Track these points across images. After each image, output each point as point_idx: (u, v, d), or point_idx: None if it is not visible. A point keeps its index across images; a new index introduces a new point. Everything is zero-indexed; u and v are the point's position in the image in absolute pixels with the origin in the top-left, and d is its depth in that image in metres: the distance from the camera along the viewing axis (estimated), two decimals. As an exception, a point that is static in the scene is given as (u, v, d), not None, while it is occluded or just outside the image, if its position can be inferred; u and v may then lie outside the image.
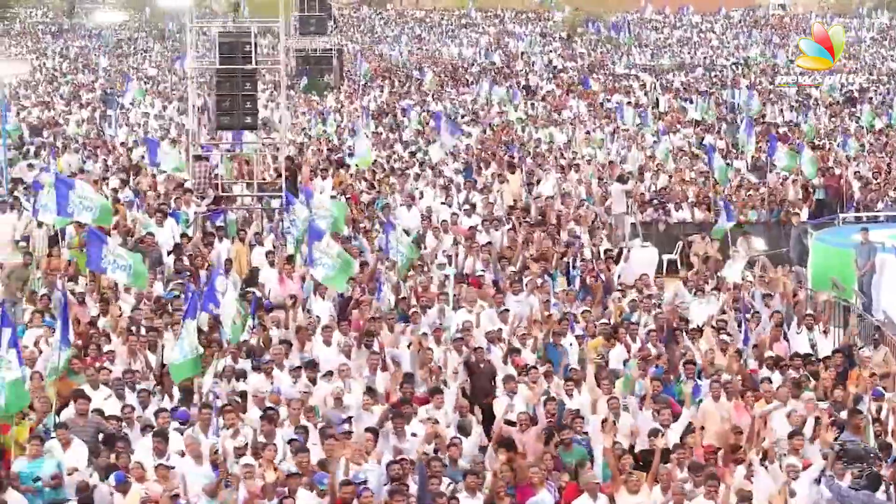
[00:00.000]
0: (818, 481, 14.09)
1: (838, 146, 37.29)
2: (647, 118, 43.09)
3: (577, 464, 14.59)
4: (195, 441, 14.47)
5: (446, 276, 21.29)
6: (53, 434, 14.89)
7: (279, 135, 31.20)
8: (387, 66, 68.08)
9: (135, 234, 23.75)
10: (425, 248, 23.79)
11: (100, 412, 15.66)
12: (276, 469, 14.25)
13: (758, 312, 19.73)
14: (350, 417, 15.65)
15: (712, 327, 19.01)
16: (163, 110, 48.34)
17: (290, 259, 21.85)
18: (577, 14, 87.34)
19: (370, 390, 16.31)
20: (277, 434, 15.01)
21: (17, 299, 20.63)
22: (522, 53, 72.92)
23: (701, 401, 16.49)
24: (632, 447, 15.33)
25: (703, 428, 15.51)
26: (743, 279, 22.08)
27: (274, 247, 23.15)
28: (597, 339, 18.79)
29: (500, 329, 18.96)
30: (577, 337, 18.79)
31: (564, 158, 34.77)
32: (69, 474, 14.14)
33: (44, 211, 22.92)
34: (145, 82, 58.85)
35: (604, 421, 15.38)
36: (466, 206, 27.15)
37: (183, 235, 23.88)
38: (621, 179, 29.55)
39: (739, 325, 19.32)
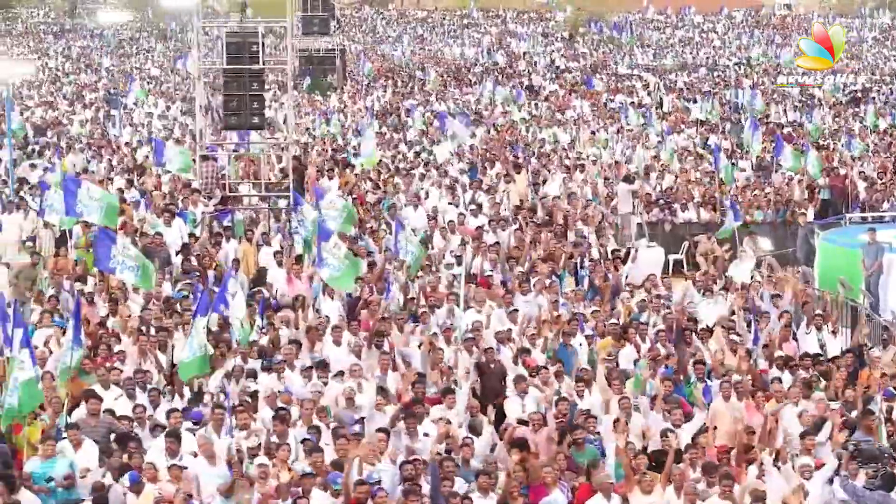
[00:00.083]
0: (830, 481, 14.11)
1: (842, 146, 37.29)
2: (651, 118, 43.10)
3: (590, 464, 14.58)
4: (208, 441, 14.46)
5: (455, 277, 21.29)
6: (65, 434, 14.89)
7: (282, 134, 31.20)
8: (389, 67, 68.10)
9: (141, 234, 23.73)
10: (432, 248, 23.79)
11: (111, 412, 15.68)
12: (290, 469, 14.24)
13: (766, 312, 19.73)
14: (363, 418, 15.65)
15: (723, 327, 19.00)
16: (166, 110, 48.35)
17: (299, 259, 21.85)
18: (578, 14, 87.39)
19: (383, 391, 16.31)
20: (290, 434, 15.01)
21: (25, 299, 20.62)
22: (524, 53, 72.93)
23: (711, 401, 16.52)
24: (644, 448, 15.33)
25: (714, 428, 15.51)
26: (751, 279, 22.07)
27: (281, 247, 23.16)
28: (606, 340, 18.80)
29: (510, 329, 18.96)
30: (586, 337, 18.80)
31: (569, 159, 34.77)
32: (82, 477, 14.13)
33: (50, 211, 22.96)
34: (148, 82, 58.87)
35: (616, 421, 15.38)
36: (473, 207, 27.14)
37: (191, 235, 23.88)
38: (627, 179, 29.53)
39: (749, 326, 19.33)
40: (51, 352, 17.57)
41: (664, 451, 14.80)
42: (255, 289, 21.13)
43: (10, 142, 32.26)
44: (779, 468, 14.51)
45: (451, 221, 25.27)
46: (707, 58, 72.42)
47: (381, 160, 33.84)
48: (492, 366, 17.52)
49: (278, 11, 31.77)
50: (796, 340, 19.18)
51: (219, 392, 16.10)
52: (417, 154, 36.27)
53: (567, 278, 22.28)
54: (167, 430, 14.96)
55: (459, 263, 21.97)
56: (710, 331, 18.94)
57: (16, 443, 15.00)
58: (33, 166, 32.88)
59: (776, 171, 32.85)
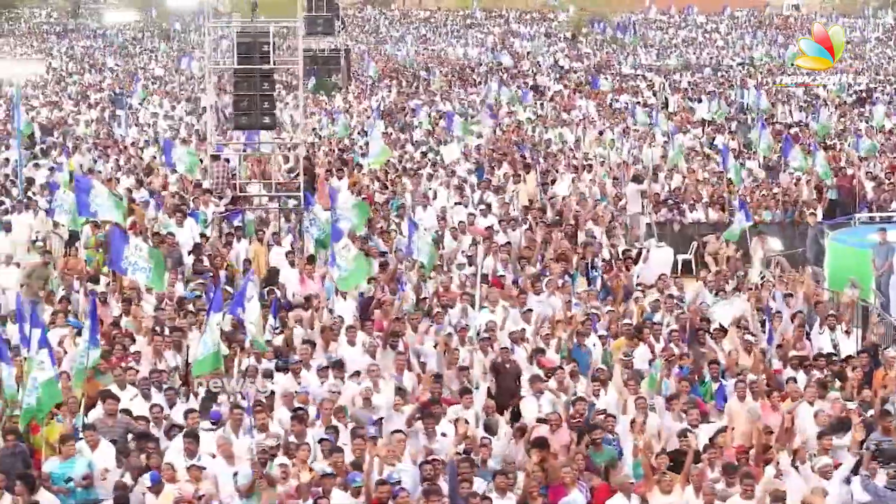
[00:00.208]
0: (847, 481, 14.11)
1: (849, 146, 37.29)
2: (657, 118, 43.09)
3: (608, 464, 14.58)
4: (227, 441, 14.47)
5: (466, 277, 21.28)
6: (82, 435, 14.89)
7: (289, 134, 31.18)
8: (394, 67, 68.09)
9: (153, 234, 23.71)
10: (443, 248, 23.79)
11: (127, 412, 15.68)
12: (310, 469, 14.25)
13: (779, 312, 19.73)
14: (381, 418, 15.65)
15: (737, 327, 19.00)
16: (171, 110, 48.36)
17: (311, 259, 21.85)
18: (581, 14, 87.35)
19: (400, 391, 16.31)
20: (308, 434, 15.01)
21: (38, 299, 20.61)
22: (528, 53, 72.92)
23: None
24: (663, 448, 15.32)
25: (732, 428, 15.52)
26: (763, 279, 22.07)
27: (292, 247, 23.16)
28: (620, 340, 18.81)
29: (524, 329, 18.96)
30: (600, 337, 18.80)
31: (576, 159, 34.77)
32: (103, 479, 14.13)
33: (59, 211, 22.96)
34: (152, 82, 58.87)
35: (632, 421, 15.38)
36: (482, 207, 27.14)
37: (202, 235, 23.88)
38: (637, 179, 29.53)
39: (763, 326, 19.33)
40: (65, 352, 17.57)
41: (680, 451, 14.81)
42: (267, 288, 21.14)
43: (20, 141, 32.25)
44: (797, 468, 14.51)
45: (461, 222, 25.28)
46: (711, 58, 72.40)
47: (388, 160, 33.84)
48: (507, 366, 17.52)
49: (283, 12, 31.80)
50: (809, 340, 19.20)
51: (237, 392, 16.08)
52: (424, 154, 36.27)
53: (579, 279, 22.29)
54: (185, 430, 14.95)
55: (471, 264, 21.97)
56: (724, 331, 18.94)
57: (33, 443, 14.99)
58: (38, 166, 32.85)
59: (783, 171, 32.86)
